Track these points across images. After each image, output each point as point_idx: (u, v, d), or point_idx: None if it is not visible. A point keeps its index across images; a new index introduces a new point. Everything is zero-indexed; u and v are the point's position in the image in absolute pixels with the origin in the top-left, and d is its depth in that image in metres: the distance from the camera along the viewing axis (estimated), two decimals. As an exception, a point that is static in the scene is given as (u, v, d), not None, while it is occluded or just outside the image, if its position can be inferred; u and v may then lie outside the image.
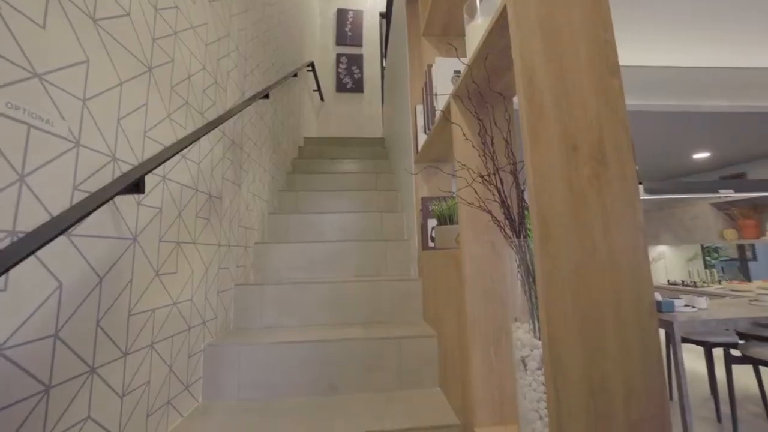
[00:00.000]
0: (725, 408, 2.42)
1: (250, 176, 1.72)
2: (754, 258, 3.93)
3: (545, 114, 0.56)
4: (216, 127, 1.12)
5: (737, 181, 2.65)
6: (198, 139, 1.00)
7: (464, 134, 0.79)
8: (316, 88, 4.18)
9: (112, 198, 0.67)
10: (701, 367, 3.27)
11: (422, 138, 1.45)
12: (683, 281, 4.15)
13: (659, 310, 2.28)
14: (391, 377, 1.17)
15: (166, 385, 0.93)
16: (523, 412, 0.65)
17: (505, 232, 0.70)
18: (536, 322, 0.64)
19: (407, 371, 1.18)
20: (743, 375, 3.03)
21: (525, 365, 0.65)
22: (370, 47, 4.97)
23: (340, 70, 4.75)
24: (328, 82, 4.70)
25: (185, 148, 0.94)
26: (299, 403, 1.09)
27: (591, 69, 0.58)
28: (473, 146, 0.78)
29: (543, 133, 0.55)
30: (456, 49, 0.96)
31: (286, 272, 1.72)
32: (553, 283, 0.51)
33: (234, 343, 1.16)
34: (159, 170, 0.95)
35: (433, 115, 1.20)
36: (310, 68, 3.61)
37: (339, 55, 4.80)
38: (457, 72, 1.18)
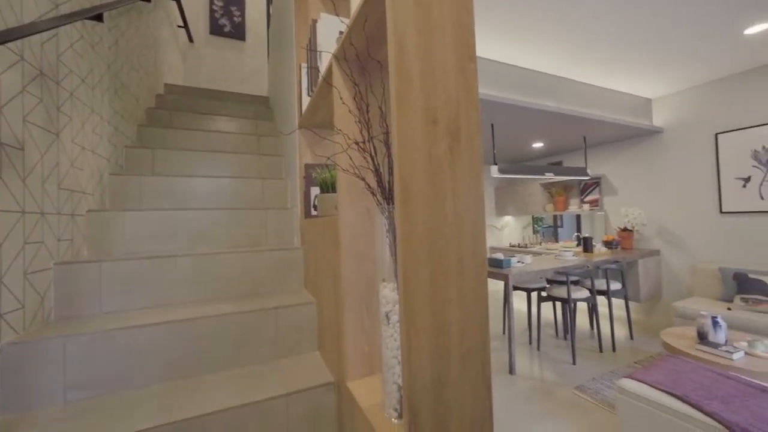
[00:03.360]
0: (535, 334, 3.31)
1: (77, 123, 1.31)
2: (562, 225, 5.33)
3: (413, 85, 0.59)
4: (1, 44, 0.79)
5: (556, 167, 3.48)
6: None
7: (341, 98, 0.77)
8: (182, 24, 3.42)
9: None
10: (524, 306, 4.35)
11: (306, 100, 1.36)
12: (519, 244, 5.35)
13: (501, 267, 2.88)
14: (267, 348, 1.14)
15: (-71, 405, 0.67)
16: (386, 359, 0.72)
17: (377, 199, 0.74)
18: (399, 280, 0.71)
19: (285, 340, 1.17)
20: (547, 309, 4.18)
21: (388, 319, 0.72)
22: (254, -12, 4.30)
23: (215, 8, 3.99)
24: (199, 19, 3.90)
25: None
26: (154, 392, 0.95)
27: (453, 49, 0.63)
28: (350, 112, 0.77)
29: (409, 104, 0.58)
30: (335, 5, 0.91)
31: (139, 246, 1.43)
32: (411, 244, 0.57)
33: (55, 337, 0.91)
34: None
35: (317, 75, 1.14)
36: (171, -4, 2.90)
37: (213, -11, 4.00)
38: (342, 33, 1.13)
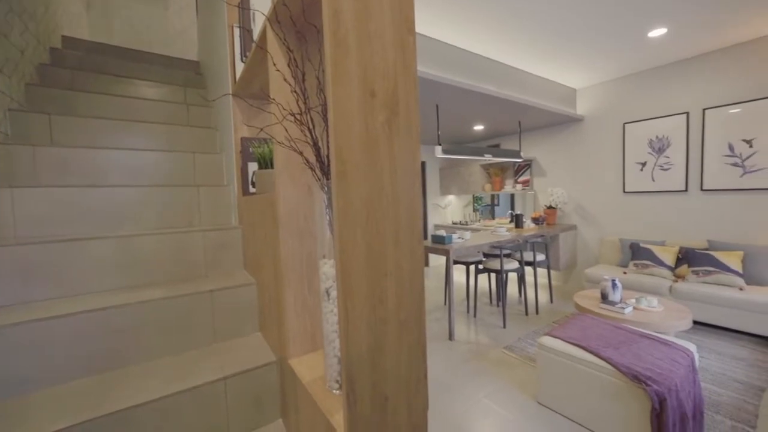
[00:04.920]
0: (472, 303, 3.61)
1: (-67, 76, 1.04)
2: (498, 203, 5.77)
3: (350, 54, 0.57)
4: None
5: (494, 149, 3.71)
6: None
7: (275, 65, 0.72)
8: (81, -37, 2.85)
9: None
10: (463, 279, 4.70)
11: (241, 67, 1.25)
12: (460, 221, 5.68)
13: (443, 243, 3.04)
14: (205, 333, 1.08)
15: None
16: (327, 334, 0.73)
17: (316, 174, 0.72)
18: (336, 253, 0.71)
19: (224, 323, 1.11)
20: (483, 280, 4.56)
21: (329, 295, 0.72)
22: (175, -69, 3.71)
23: (126, -51, 3.37)
24: (105, -40, 3.27)
25: None
26: (71, 390, 0.85)
27: (392, 21, 0.62)
28: (285, 80, 0.72)
29: (346, 73, 0.56)
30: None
31: (37, 229, 1.22)
32: (347, 218, 0.56)
33: (-77, 338, 0.76)
34: None
35: (250, 39, 1.04)
36: (64, -74, 2.38)
37: (123, -75, 3.36)
38: (278, -7, 1.04)
